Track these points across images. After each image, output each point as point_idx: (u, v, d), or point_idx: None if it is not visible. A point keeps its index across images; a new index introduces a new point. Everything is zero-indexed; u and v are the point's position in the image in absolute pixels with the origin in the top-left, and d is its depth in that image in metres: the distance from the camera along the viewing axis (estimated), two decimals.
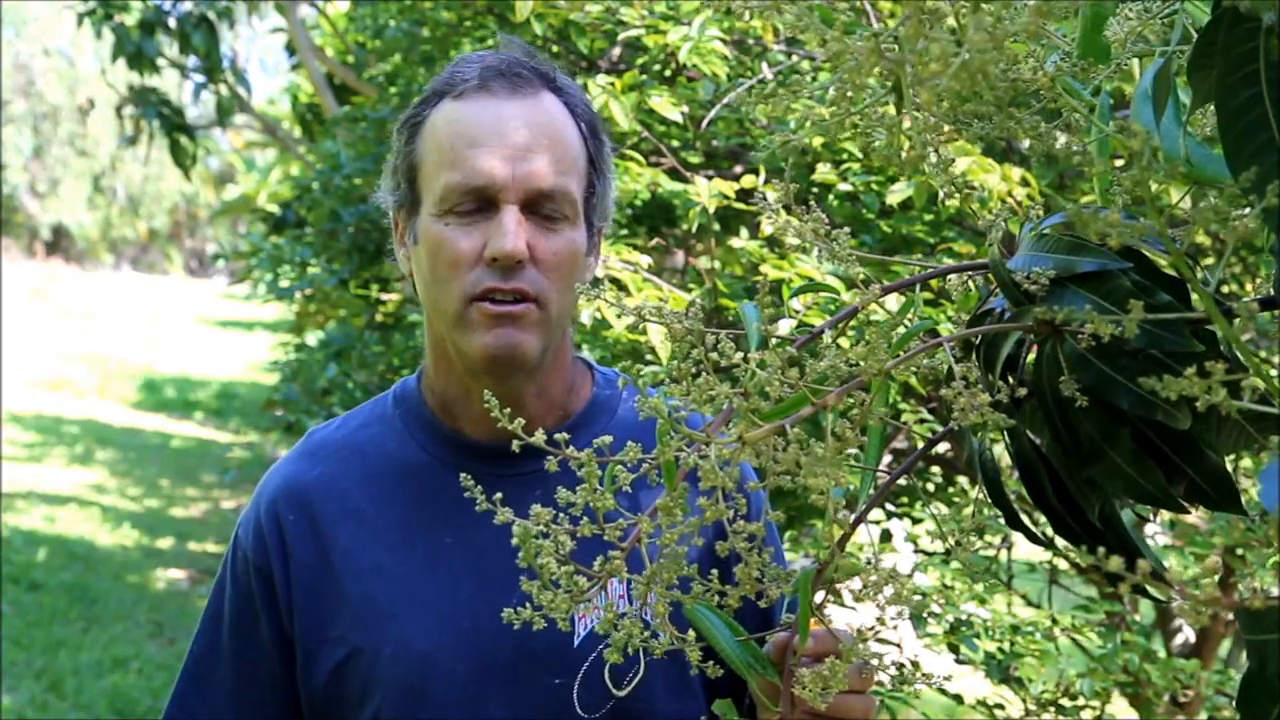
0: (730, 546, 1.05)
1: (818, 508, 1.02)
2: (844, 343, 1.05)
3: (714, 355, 1.01)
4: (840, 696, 1.13)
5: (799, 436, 0.97)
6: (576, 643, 1.51)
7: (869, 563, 1.04)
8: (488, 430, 1.57)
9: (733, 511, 1.03)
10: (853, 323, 1.10)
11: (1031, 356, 1.03)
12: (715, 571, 1.11)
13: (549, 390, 1.58)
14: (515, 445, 1.04)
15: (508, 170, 1.47)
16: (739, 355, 1.01)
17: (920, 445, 1.20)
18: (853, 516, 1.08)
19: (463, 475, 1.10)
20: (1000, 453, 1.15)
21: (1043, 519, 1.09)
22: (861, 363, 0.97)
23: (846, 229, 1.07)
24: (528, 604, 1.03)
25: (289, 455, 1.67)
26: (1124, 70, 1.06)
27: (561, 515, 1.02)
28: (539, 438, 1.03)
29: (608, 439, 1.05)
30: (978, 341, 1.06)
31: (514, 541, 0.99)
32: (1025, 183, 2.83)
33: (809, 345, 1.06)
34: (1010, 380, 1.01)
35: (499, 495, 1.05)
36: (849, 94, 0.90)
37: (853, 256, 1.06)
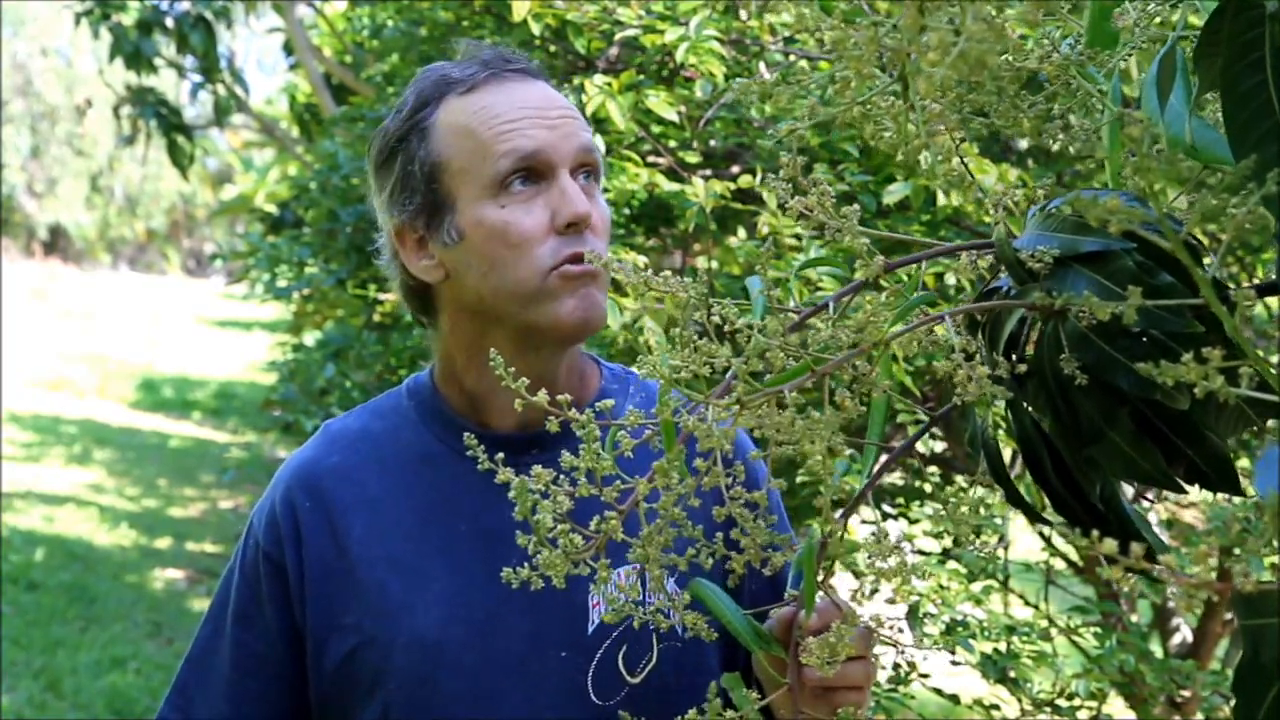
0: (727, 512, 1.06)
1: (815, 508, 1.03)
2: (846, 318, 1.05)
3: (715, 320, 1.02)
4: (843, 664, 1.14)
5: (797, 402, 0.98)
6: (590, 630, 1.51)
7: (873, 536, 1.05)
8: (514, 420, 1.58)
9: (731, 478, 1.05)
10: (857, 303, 1.10)
11: (1035, 336, 1.03)
12: (719, 535, 1.12)
13: (572, 371, 1.61)
14: (551, 424, 1.06)
15: (555, 137, 1.51)
16: (741, 320, 1.02)
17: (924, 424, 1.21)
18: (851, 500, 1.08)
19: (466, 436, 1.11)
20: (1002, 436, 1.15)
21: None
22: (862, 332, 0.98)
23: (856, 206, 1.07)
24: (527, 565, 1.04)
25: (306, 444, 1.68)
26: (1134, 54, 1.06)
27: (562, 477, 1.04)
28: (568, 409, 1.05)
29: (609, 402, 1.07)
30: (982, 319, 1.06)
31: (511, 495, 1.00)
32: (1023, 183, 2.83)
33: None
34: (1013, 358, 1.02)
35: (500, 456, 1.07)
36: (851, 86, 0.91)
37: (860, 230, 1.06)
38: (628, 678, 1.49)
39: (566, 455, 1.04)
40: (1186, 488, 1.00)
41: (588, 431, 1.02)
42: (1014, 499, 1.09)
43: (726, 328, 1.01)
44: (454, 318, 1.60)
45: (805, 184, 1.06)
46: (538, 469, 1.03)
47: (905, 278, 1.10)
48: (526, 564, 1.05)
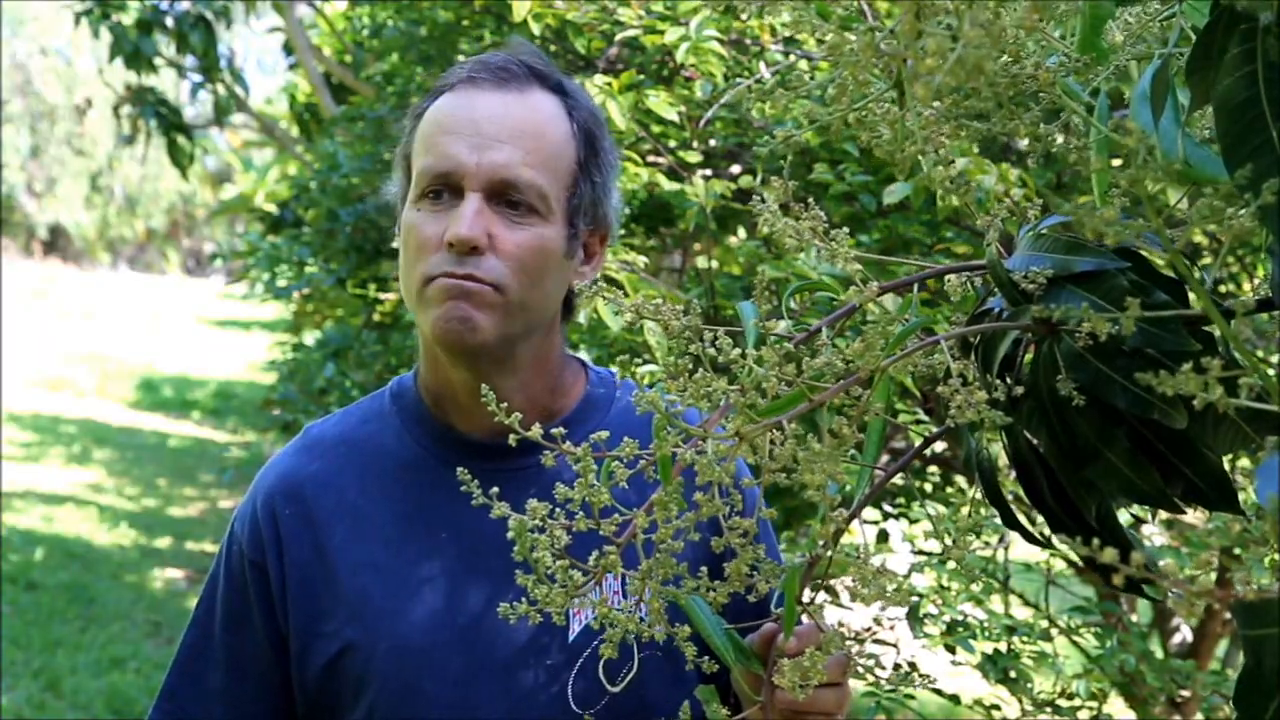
0: (725, 542, 1.05)
1: (813, 507, 1.03)
2: (840, 343, 1.05)
3: (710, 351, 1.01)
4: (814, 689, 1.14)
5: (796, 433, 0.97)
6: (571, 639, 1.51)
7: (858, 557, 1.05)
8: (481, 426, 1.58)
9: (728, 508, 1.04)
10: (850, 322, 1.10)
11: (1029, 356, 1.03)
12: (705, 569, 1.11)
13: (531, 386, 1.58)
14: (512, 440, 1.04)
15: (473, 158, 1.49)
16: (736, 352, 1.01)
17: (917, 445, 1.20)
18: (846, 514, 1.08)
19: (459, 470, 1.11)
20: (997, 452, 1.15)
21: (1040, 519, 1.09)
22: (858, 360, 0.97)
23: (845, 228, 1.07)
24: (524, 599, 1.03)
25: (286, 450, 1.68)
26: (1122, 71, 1.06)
27: (557, 510, 1.03)
28: (536, 432, 1.04)
29: (604, 434, 1.06)
30: (975, 341, 1.06)
31: (510, 535, 1.00)
32: (1022, 183, 2.83)
33: (807, 344, 1.06)
34: (1007, 380, 1.01)
35: (495, 490, 1.06)
36: (849, 90, 0.91)
37: (851, 255, 1.06)
38: (609, 687, 1.49)
39: (560, 488, 1.03)
40: (1184, 507, 0.99)
41: (584, 466, 1.01)
42: (1010, 521, 1.08)
43: (721, 358, 1.01)
44: None
45: (797, 209, 1.06)
46: (533, 502, 1.02)
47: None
48: (524, 598, 1.04)
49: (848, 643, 1.18)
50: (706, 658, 1.15)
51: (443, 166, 1.50)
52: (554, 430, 1.05)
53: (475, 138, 1.50)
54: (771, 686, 1.16)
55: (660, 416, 0.98)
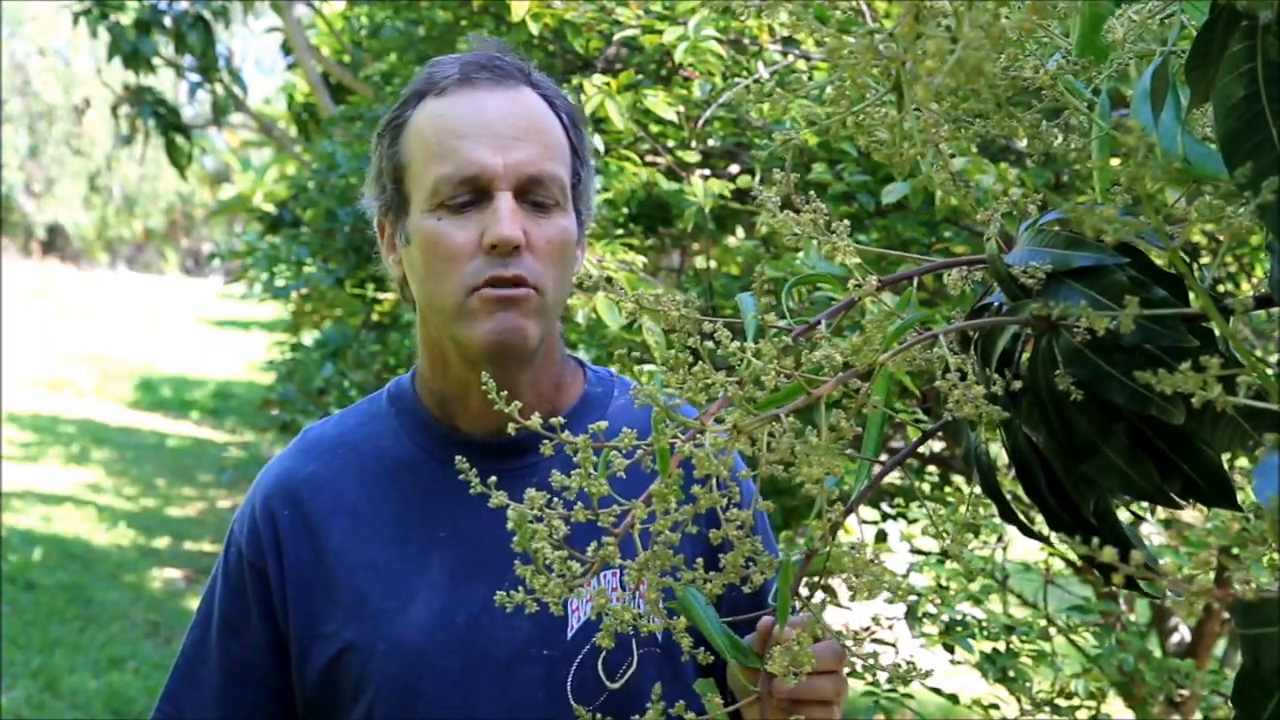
0: (723, 535, 1.06)
1: (811, 506, 1.03)
2: (839, 340, 1.05)
3: (709, 344, 1.02)
4: (810, 677, 1.14)
5: (794, 426, 0.97)
6: (569, 636, 1.51)
7: (852, 548, 1.05)
8: (484, 426, 1.58)
9: (726, 500, 1.04)
10: (849, 319, 1.10)
11: (1028, 352, 1.03)
12: (700, 560, 1.11)
13: (540, 382, 1.59)
14: (511, 429, 1.04)
15: (498, 158, 1.48)
16: (735, 344, 1.01)
17: (915, 440, 1.20)
18: (843, 509, 1.08)
19: (457, 458, 1.11)
20: (996, 449, 1.15)
21: (1038, 516, 1.09)
22: (854, 355, 0.98)
23: (846, 222, 1.07)
24: (520, 588, 1.04)
25: (284, 452, 1.68)
26: (1123, 70, 1.06)
27: (556, 501, 1.03)
28: (535, 421, 1.04)
29: (603, 424, 1.06)
30: (975, 336, 1.06)
31: (509, 526, 1.00)
32: (1021, 183, 2.83)
33: (805, 337, 1.06)
34: (1006, 375, 1.01)
35: (493, 480, 1.06)
36: (847, 92, 0.91)
37: (851, 248, 1.06)
38: (608, 684, 1.49)
39: (557, 475, 1.03)
40: (1182, 503, 0.99)
41: (583, 456, 1.01)
42: (1008, 515, 1.08)
43: (720, 351, 1.01)
44: (419, 317, 1.60)
45: (798, 202, 1.06)
46: (531, 492, 1.02)
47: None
48: (520, 588, 1.04)
49: (846, 642, 1.18)
50: (702, 649, 1.15)
51: (468, 171, 1.49)
52: (555, 420, 1.06)
53: (494, 138, 1.50)
54: (769, 677, 1.16)
55: (659, 409, 0.98)
